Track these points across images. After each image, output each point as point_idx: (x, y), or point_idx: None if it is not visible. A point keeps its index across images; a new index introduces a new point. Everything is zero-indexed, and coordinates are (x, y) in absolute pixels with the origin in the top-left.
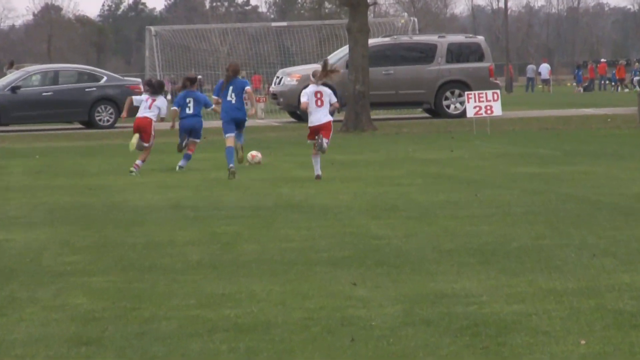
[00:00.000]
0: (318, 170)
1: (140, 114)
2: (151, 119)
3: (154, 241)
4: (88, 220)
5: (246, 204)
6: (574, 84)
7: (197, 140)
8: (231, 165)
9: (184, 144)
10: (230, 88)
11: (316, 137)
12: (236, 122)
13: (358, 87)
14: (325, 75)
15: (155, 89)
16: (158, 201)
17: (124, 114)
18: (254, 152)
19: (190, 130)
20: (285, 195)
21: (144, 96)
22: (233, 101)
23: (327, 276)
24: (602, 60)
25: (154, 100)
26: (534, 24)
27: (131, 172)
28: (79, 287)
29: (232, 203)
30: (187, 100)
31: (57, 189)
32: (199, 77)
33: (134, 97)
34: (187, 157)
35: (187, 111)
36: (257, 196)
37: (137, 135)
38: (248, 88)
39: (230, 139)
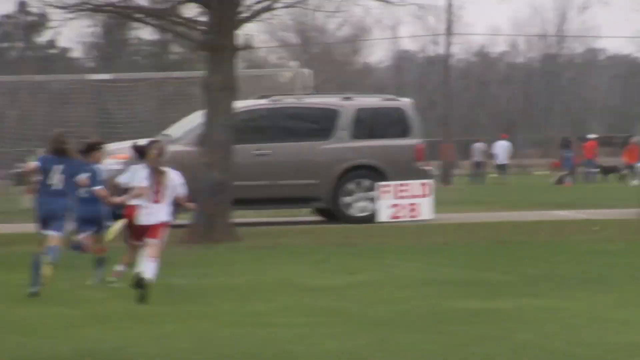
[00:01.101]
0: (144, 267)
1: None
2: None
3: None
4: None
5: (30, 356)
6: (550, 172)
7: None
8: (35, 288)
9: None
10: (54, 168)
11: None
12: (53, 216)
13: (215, 175)
14: (158, 158)
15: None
16: None
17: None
18: None
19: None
20: (91, 340)
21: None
22: (53, 186)
23: None
24: (590, 136)
25: None
26: (489, 81)
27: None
28: None
29: (7, 355)
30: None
31: None
32: None
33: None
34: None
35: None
36: (47, 341)
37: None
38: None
39: (53, 238)
